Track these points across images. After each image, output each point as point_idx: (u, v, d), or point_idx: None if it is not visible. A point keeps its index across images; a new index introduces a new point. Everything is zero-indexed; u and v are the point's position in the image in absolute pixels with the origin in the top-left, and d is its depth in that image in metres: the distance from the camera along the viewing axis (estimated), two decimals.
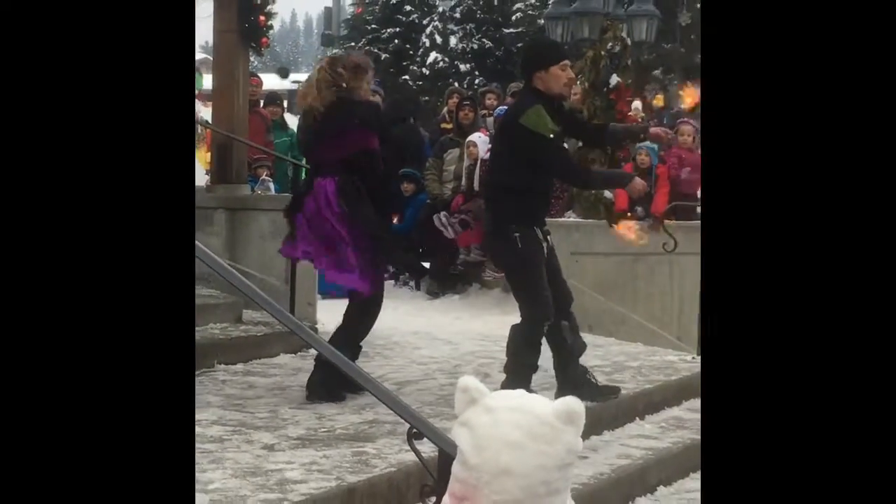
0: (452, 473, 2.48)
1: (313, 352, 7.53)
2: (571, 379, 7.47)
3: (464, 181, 12.91)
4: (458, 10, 37.72)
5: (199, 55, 13.25)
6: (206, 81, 24.27)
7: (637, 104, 13.70)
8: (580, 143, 11.43)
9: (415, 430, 4.16)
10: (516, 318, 11.06)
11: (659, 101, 15.22)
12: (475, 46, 37.06)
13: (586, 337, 9.62)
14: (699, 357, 9.59)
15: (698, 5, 32.09)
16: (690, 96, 11.11)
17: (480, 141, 12.69)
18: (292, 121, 16.04)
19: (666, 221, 10.39)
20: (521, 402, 2.47)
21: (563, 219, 11.23)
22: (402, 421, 4.38)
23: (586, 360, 8.20)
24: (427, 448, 4.18)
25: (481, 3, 37.40)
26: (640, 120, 13.29)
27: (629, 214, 11.29)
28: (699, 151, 12.48)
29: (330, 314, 10.69)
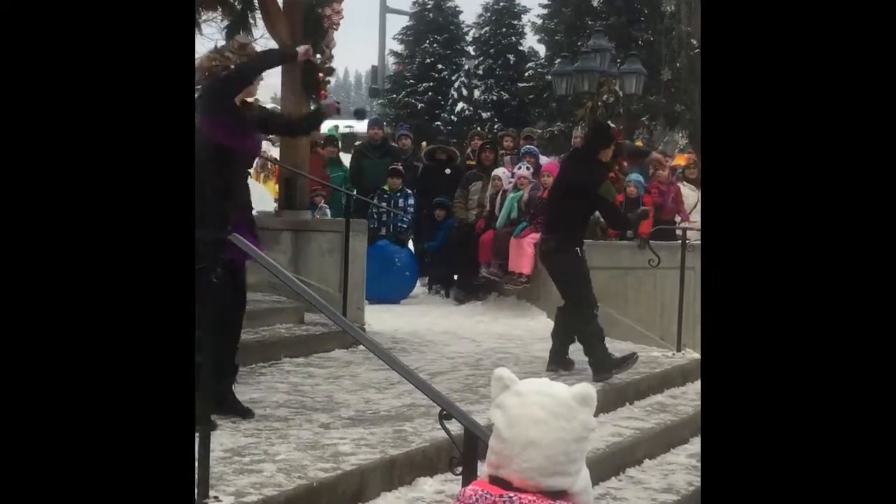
0: (490, 446, 2.52)
1: (363, 347, 7.53)
2: (600, 359, 8.07)
3: (488, 207, 12.98)
4: (481, 67, 37.75)
5: (269, 105, 13.31)
6: None
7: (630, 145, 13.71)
8: None
9: (445, 412, 4.16)
10: (529, 321, 11.14)
11: (639, 144, 15.24)
12: (495, 98, 37.04)
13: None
14: (678, 353, 9.59)
15: (678, 63, 32.03)
16: (682, 160, 11.17)
17: (504, 175, 12.87)
18: (346, 158, 16.11)
19: (651, 241, 10.38)
20: (545, 387, 2.52)
21: None
22: (435, 404, 4.38)
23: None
24: (455, 427, 4.19)
25: (500, 62, 37.40)
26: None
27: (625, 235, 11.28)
28: (676, 185, 12.49)
29: (375, 317, 10.73)
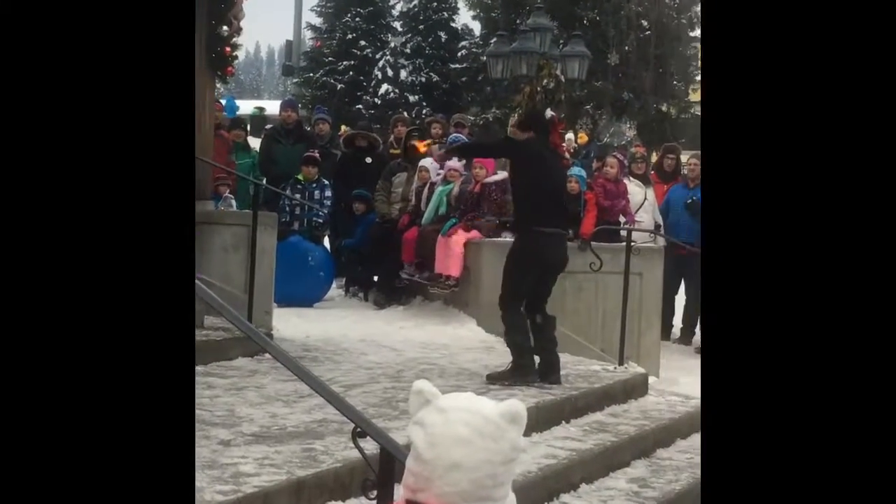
0: (407, 468, 2.51)
1: (269, 355, 7.47)
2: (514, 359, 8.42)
3: (413, 201, 12.95)
4: (408, 46, 37.80)
5: None
6: None
7: (570, 135, 13.78)
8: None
9: (359, 430, 4.14)
10: (456, 329, 11.16)
11: (582, 137, 15.34)
12: (423, 80, 37.14)
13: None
14: (620, 366, 9.64)
15: (626, 47, 32.34)
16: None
17: (432, 167, 12.80)
18: (254, 143, 16.01)
19: (593, 243, 10.43)
20: (471, 404, 2.51)
21: (500, 239, 11.23)
22: (348, 420, 4.36)
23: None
24: (370, 446, 4.17)
25: (430, 40, 37.49)
26: (572, 150, 13.38)
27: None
28: (624, 181, 12.55)
29: (285, 321, 10.68)
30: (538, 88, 12.99)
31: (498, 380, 8.34)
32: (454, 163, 12.42)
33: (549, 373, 8.52)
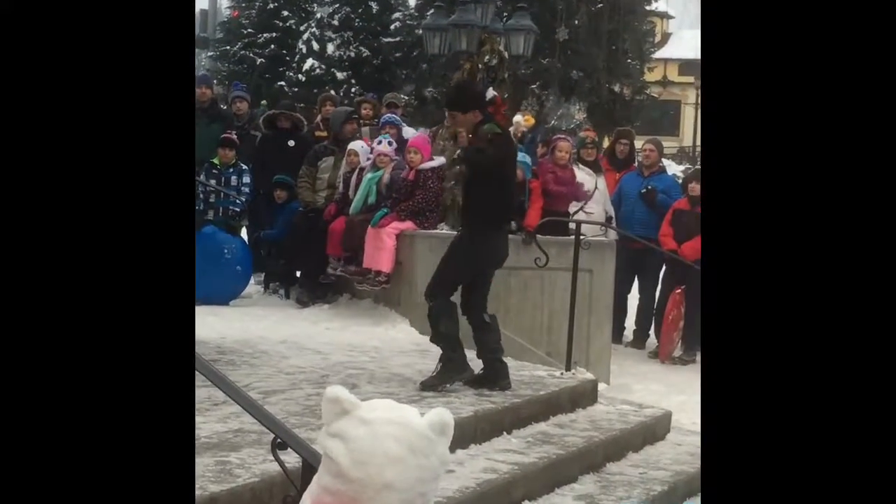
0: (321, 485, 2.48)
1: None
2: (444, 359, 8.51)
3: (340, 188, 12.91)
4: (336, 17, 37.69)
5: None
6: None
7: (518, 117, 13.79)
8: (454, 156, 11.52)
9: (279, 440, 4.14)
10: (388, 330, 11.17)
11: (529, 120, 15.30)
12: (352, 54, 37.06)
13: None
14: (567, 372, 9.67)
15: (576, 21, 32.48)
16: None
17: (362, 150, 12.77)
18: None
19: (538, 236, 10.46)
20: (397, 415, 2.48)
21: (436, 230, 11.26)
22: (267, 431, 4.36)
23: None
24: (291, 458, 4.17)
25: (360, 11, 37.42)
26: (520, 134, 13.40)
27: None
28: (573, 168, 12.59)
29: (197, 321, 10.60)
30: (479, 66, 12.98)
31: (433, 386, 8.36)
32: (384, 147, 12.37)
33: (500, 377, 8.56)
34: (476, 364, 8.62)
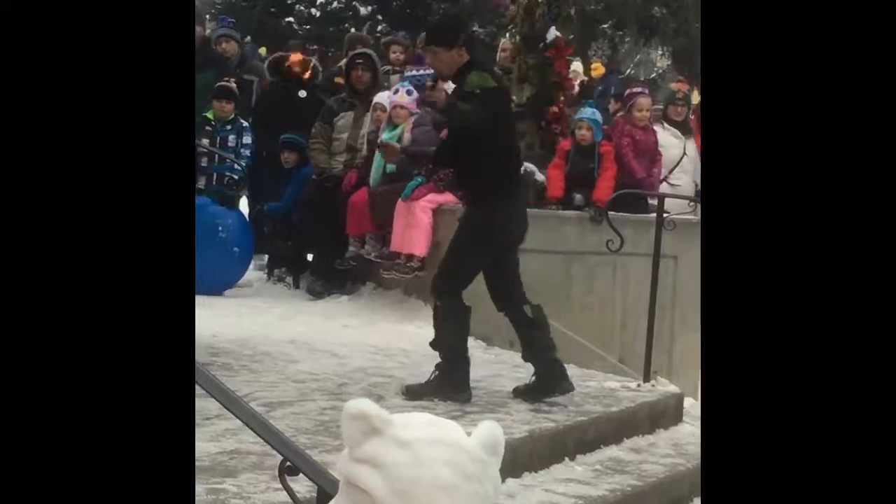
0: None
1: None
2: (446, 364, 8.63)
3: (363, 151, 12.83)
4: None
5: None
6: None
7: (577, 65, 13.76)
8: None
9: (288, 464, 4.15)
10: (419, 328, 11.16)
11: (597, 69, 15.26)
12: None
13: (505, 354, 9.70)
14: (646, 383, 9.64)
15: None
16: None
17: (390, 103, 12.61)
18: None
19: (611, 213, 10.41)
20: (443, 434, 2.45)
21: None
22: (272, 452, 4.37)
23: (507, 382, 8.27)
24: (302, 487, 4.19)
25: None
26: (578, 86, 13.39)
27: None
28: (654, 129, 12.54)
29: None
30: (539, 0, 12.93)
31: (418, 393, 8.51)
32: (400, 97, 12.23)
33: (558, 379, 8.58)
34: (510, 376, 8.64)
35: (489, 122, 8.31)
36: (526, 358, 8.67)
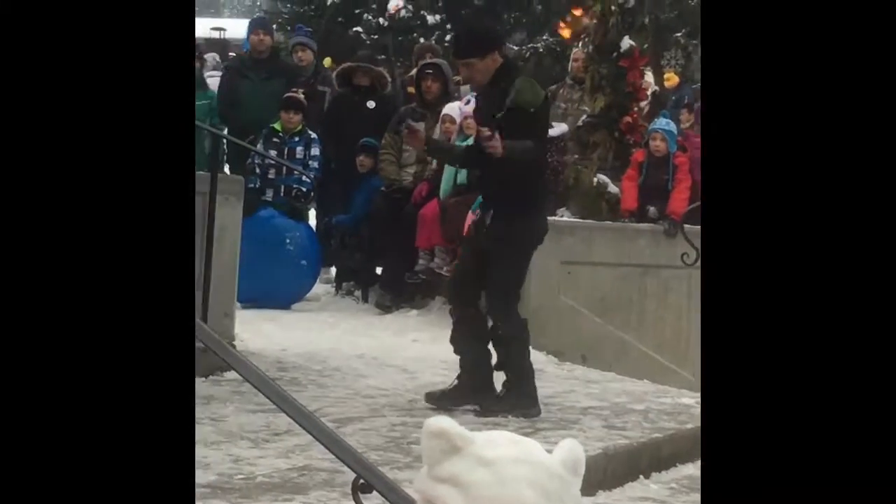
0: None
1: (231, 375, 7.53)
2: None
3: (434, 164, 12.79)
4: None
5: None
6: None
7: (649, 75, 13.72)
8: (580, 123, 11.54)
9: (362, 482, 4.15)
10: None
11: (671, 78, 15.14)
12: None
13: (578, 369, 9.69)
14: None
15: None
16: None
17: (461, 115, 12.49)
18: (213, 82, 15.97)
19: (686, 226, 10.37)
20: (524, 452, 2.45)
21: (553, 218, 11.24)
22: (344, 469, 4.37)
23: (579, 398, 8.25)
24: None
25: None
26: (650, 96, 13.34)
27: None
28: None
29: (251, 328, 10.70)
30: (611, 7, 12.90)
31: (442, 401, 8.60)
32: (471, 107, 12.17)
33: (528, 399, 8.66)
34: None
35: (543, 145, 8.39)
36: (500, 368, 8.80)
